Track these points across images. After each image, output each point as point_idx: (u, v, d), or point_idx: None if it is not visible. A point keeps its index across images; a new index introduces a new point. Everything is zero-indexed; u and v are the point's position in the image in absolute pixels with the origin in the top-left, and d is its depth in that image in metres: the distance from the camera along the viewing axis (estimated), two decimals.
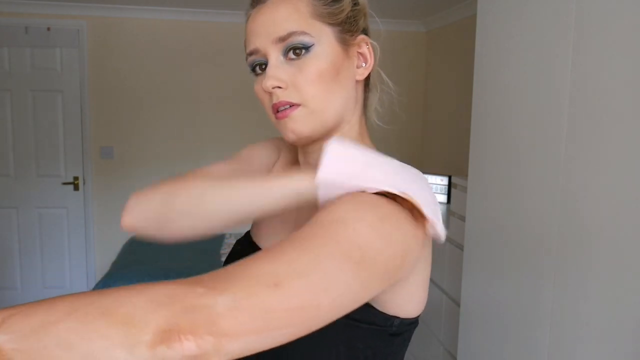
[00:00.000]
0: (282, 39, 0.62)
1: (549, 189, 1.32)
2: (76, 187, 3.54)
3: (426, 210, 0.53)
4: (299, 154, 0.74)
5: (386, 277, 0.52)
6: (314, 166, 0.66)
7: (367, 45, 0.68)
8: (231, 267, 0.42)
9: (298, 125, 0.63)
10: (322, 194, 0.56)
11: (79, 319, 0.35)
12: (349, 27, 0.66)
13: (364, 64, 0.69)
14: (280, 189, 0.58)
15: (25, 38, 3.35)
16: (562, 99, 1.27)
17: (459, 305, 1.94)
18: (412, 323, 0.65)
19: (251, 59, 0.66)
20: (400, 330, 0.64)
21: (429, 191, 0.56)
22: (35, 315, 0.36)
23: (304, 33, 0.62)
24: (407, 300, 0.62)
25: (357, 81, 0.69)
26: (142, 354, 0.34)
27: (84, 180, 3.54)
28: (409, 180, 0.55)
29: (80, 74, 3.44)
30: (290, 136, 0.65)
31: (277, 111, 0.64)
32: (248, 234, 0.81)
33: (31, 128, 3.45)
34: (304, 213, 0.71)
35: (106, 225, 3.61)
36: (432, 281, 2.41)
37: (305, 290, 0.42)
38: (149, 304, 0.35)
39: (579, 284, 1.21)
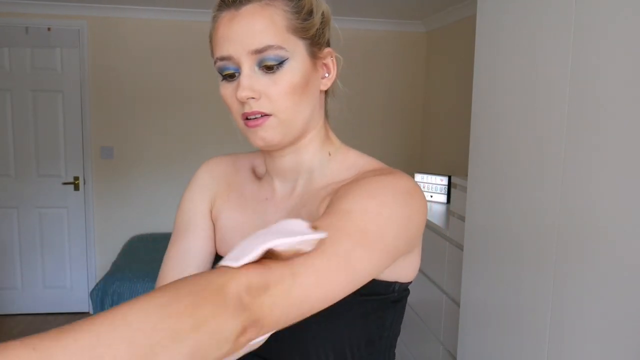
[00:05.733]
0: (258, 51, 0.64)
1: (549, 188, 1.32)
2: (76, 187, 3.54)
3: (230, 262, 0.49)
4: (267, 161, 0.76)
5: (392, 255, 0.61)
6: (283, 173, 0.74)
7: (332, 57, 0.72)
8: (269, 266, 0.50)
9: (268, 133, 0.66)
10: None
11: (180, 341, 0.41)
12: (317, 40, 0.69)
13: (327, 75, 0.72)
14: None
15: (26, 38, 3.35)
16: (562, 99, 1.27)
17: (458, 305, 1.94)
18: (406, 290, 0.72)
19: (221, 64, 0.67)
20: (400, 296, 0.71)
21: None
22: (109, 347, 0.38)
23: (280, 47, 0.64)
24: (405, 267, 0.69)
25: (320, 90, 0.72)
26: (227, 348, 0.44)
27: (84, 180, 3.54)
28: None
29: (81, 74, 3.44)
30: (260, 143, 0.67)
31: (247, 119, 0.66)
32: (216, 256, 0.80)
33: (31, 128, 3.45)
34: None
35: (106, 225, 3.62)
36: (432, 281, 2.41)
37: (313, 281, 0.51)
38: (230, 312, 0.44)
39: (579, 284, 1.21)
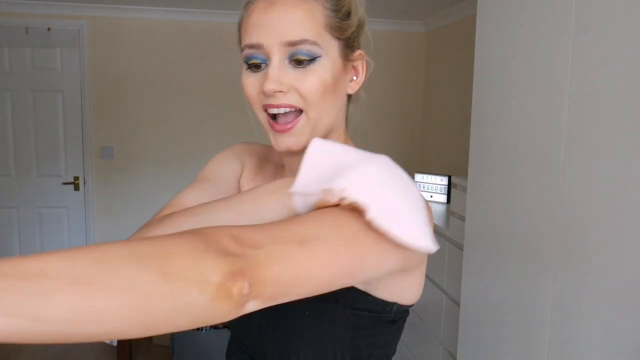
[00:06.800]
0: (292, 44, 0.61)
1: (549, 189, 1.32)
2: (76, 187, 3.54)
3: (384, 223, 0.51)
4: (284, 158, 0.74)
5: (400, 254, 0.56)
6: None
7: (362, 61, 0.70)
8: (266, 227, 0.48)
9: (294, 139, 0.64)
10: (299, 203, 0.57)
11: (149, 265, 0.38)
12: (351, 42, 0.67)
13: (355, 78, 0.70)
14: (274, 205, 0.59)
15: (26, 38, 3.35)
16: (562, 99, 1.27)
17: (458, 305, 1.94)
18: (406, 311, 0.69)
19: (249, 52, 0.63)
20: (397, 316, 0.68)
21: (408, 197, 0.54)
22: (82, 260, 0.36)
23: (315, 44, 0.61)
24: (406, 289, 0.66)
25: (347, 94, 0.70)
26: (211, 292, 0.39)
27: (84, 180, 3.54)
28: (386, 186, 0.53)
29: (81, 74, 3.44)
30: (283, 149, 0.65)
31: (273, 117, 0.64)
32: None
33: (31, 128, 3.45)
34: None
35: (106, 225, 3.62)
36: (432, 281, 2.41)
37: (325, 251, 0.48)
38: (213, 254, 0.41)
39: (578, 284, 1.21)
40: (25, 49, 3.37)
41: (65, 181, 3.53)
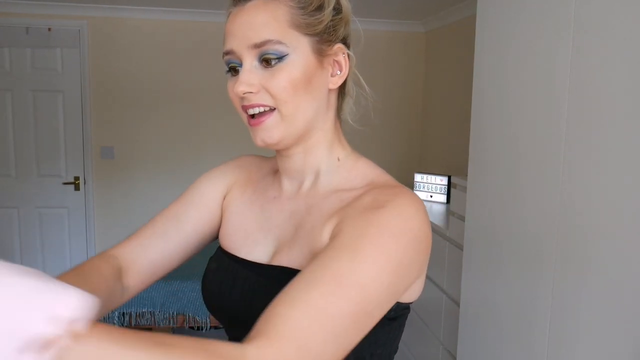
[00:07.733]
0: (257, 46, 0.63)
1: (549, 189, 1.32)
2: (77, 187, 3.54)
3: None
4: (277, 159, 0.76)
5: (385, 308, 0.60)
6: (290, 172, 0.73)
7: (344, 54, 0.69)
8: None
9: (268, 133, 0.66)
10: None
11: None
12: (327, 37, 0.67)
13: (339, 72, 0.70)
14: None
15: (26, 38, 3.35)
16: (562, 99, 1.27)
17: (458, 305, 1.94)
18: (406, 308, 0.69)
19: (226, 58, 0.67)
20: (397, 314, 0.67)
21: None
22: None
23: (279, 42, 0.63)
24: (405, 291, 0.66)
25: (330, 89, 0.70)
26: None
27: (84, 180, 3.54)
28: None
29: (81, 74, 3.44)
30: (259, 143, 0.67)
31: (252, 117, 0.66)
32: (220, 249, 0.80)
33: (32, 128, 3.45)
34: (286, 223, 0.73)
35: (107, 225, 3.62)
36: (432, 281, 2.41)
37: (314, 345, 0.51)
38: None
39: (578, 284, 1.22)
40: (25, 49, 3.37)
41: (66, 181, 3.53)
